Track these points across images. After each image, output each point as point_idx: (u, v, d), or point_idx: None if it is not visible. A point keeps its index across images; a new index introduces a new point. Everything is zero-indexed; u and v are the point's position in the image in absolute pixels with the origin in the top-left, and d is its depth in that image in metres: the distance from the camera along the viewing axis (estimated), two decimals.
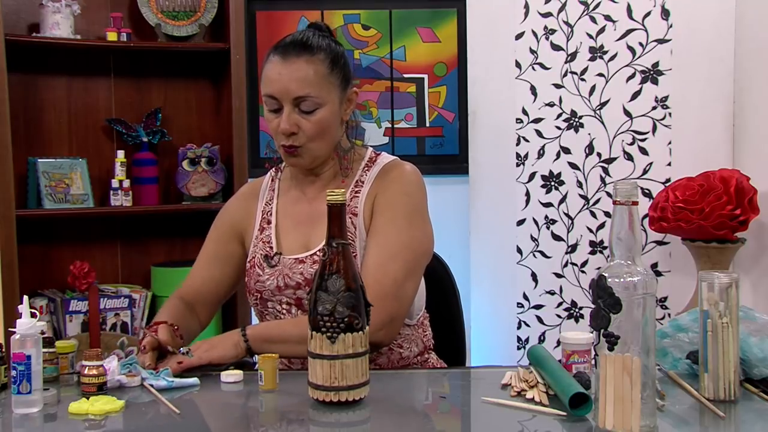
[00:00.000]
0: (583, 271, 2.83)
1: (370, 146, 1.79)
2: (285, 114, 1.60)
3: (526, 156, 2.84)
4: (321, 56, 1.61)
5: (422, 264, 1.66)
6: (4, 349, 1.43)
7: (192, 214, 2.93)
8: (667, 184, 2.70)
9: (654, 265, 2.79)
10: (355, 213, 1.65)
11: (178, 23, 2.88)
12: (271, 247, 1.69)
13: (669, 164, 2.77)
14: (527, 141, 2.84)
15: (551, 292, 2.85)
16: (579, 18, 2.80)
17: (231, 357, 1.51)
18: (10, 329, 1.37)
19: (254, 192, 1.81)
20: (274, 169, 1.82)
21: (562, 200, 2.83)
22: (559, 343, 1.48)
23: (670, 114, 2.76)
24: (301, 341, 1.39)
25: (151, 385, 1.38)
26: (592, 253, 2.83)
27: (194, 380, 1.43)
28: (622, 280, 1.15)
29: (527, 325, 2.86)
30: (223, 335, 1.56)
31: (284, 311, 1.66)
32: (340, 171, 1.71)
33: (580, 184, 2.82)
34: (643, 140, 2.78)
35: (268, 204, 1.77)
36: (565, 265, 2.84)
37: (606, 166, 2.80)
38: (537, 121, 2.83)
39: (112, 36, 2.78)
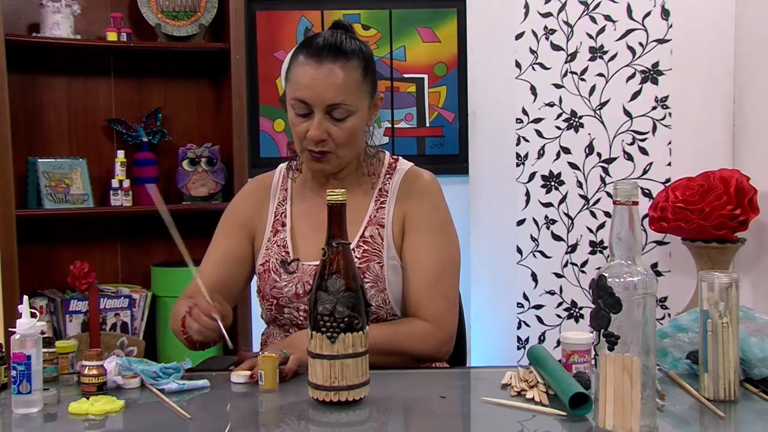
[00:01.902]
0: (583, 271, 2.83)
1: (387, 150, 1.78)
2: (316, 121, 1.56)
3: (526, 156, 2.84)
4: (355, 62, 1.57)
5: (459, 272, 1.70)
6: (4, 349, 1.43)
7: (192, 214, 2.92)
8: (667, 184, 2.70)
9: (654, 265, 2.79)
10: (382, 224, 1.64)
11: (178, 23, 2.88)
12: (288, 252, 1.66)
13: (669, 164, 2.77)
14: (527, 141, 2.84)
15: (551, 292, 2.85)
16: (579, 18, 2.80)
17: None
18: (10, 329, 1.37)
19: (265, 190, 1.76)
20: (286, 167, 1.77)
21: (562, 200, 2.83)
22: (559, 343, 1.48)
23: (670, 114, 2.76)
24: (376, 351, 1.38)
25: (162, 390, 1.38)
26: (592, 253, 2.83)
27: (204, 382, 1.42)
28: (622, 280, 1.15)
29: (527, 325, 2.86)
30: (295, 337, 1.54)
31: (301, 318, 1.64)
32: (368, 176, 1.70)
33: (580, 184, 2.82)
34: (643, 140, 2.78)
35: (281, 205, 1.73)
36: (565, 265, 2.84)
37: (606, 166, 2.80)
38: (537, 121, 2.83)
39: (112, 36, 2.78)
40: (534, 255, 2.85)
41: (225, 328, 1.47)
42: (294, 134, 1.62)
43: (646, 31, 2.76)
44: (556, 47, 2.81)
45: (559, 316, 2.85)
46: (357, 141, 1.63)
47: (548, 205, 2.84)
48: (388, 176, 1.70)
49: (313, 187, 1.72)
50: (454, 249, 1.68)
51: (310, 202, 1.71)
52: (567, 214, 2.83)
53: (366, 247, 1.62)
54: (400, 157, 1.76)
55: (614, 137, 2.80)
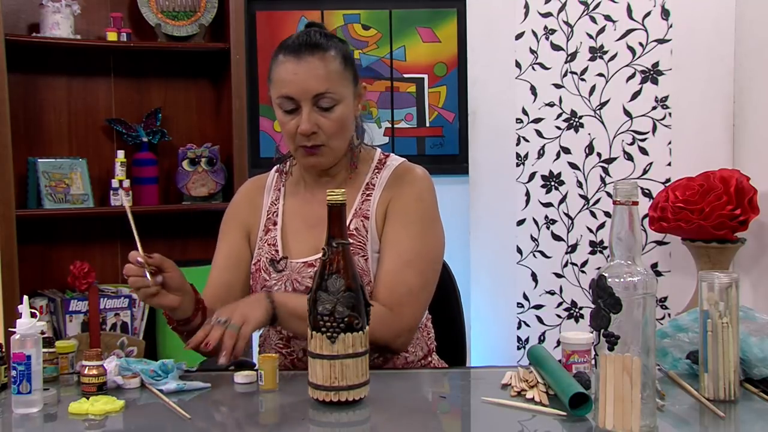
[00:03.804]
0: (583, 271, 2.83)
1: (378, 147, 1.78)
2: (305, 114, 1.57)
3: (526, 156, 2.84)
4: (333, 52, 1.60)
5: (436, 270, 1.67)
6: (4, 349, 1.43)
7: (192, 214, 2.93)
8: (667, 184, 2.70)
9: (654, 265, 2.79)
10: (367, 216, 1.64)
11: (178, 23, 2.88)
12: (277, 251, 1.67)
13: (669, 164, 2.77)
14: (527, 141, 2.84)
15: (551, 292, 2.85)
16: (579, 18, 2.80)
17: (264, 321, 1.45)
18: (10, 329, 1.37)
19: (259, 190, 1.78)
20: (278, 167, 1.78)
21: (562, 200, 2.83)
22: (559, 343, 1.48)
23: (670, 114, 2.76)
24: None
25: (162, 390, 1.38)
26: (592, 253, 2.83)
27: (204, 382, 1.42)
28: (622, 280, 1.15)
29: (527, 325, 2.86)
30: (249, 299, 1.49)
31: None
32: (350, 167, 1.69)
33: (580, 184, 2.82)
34: (643, 140, 2.78)
35: (274, 204, 1.74)
36: (565, 265, 2.84)
37: (606, 166, 2.80)
38: (537, 121, 2.83)
39: (112, 36, 2.78)
40: (534, 255, 2.85)
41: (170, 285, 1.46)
42: (285, 134, 1.63)
43: (646, 31, 2.76)
44: (556, 47, 2.81)
45: (559, 316, 2.85)
46: (347, 131, 1.64)
47: (548, 205, 2.84)
48: (377, 171, 1.70)
49: (306, 186, 1.73)
50: (432, 243, 1.65)
51: (303, 200, 1.72)
52: (567, 214, 2.83)
53: (351, 240, 1.61)
54: (392, 154, 1.76)
55: (614, 137, 2.80)
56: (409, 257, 1.60)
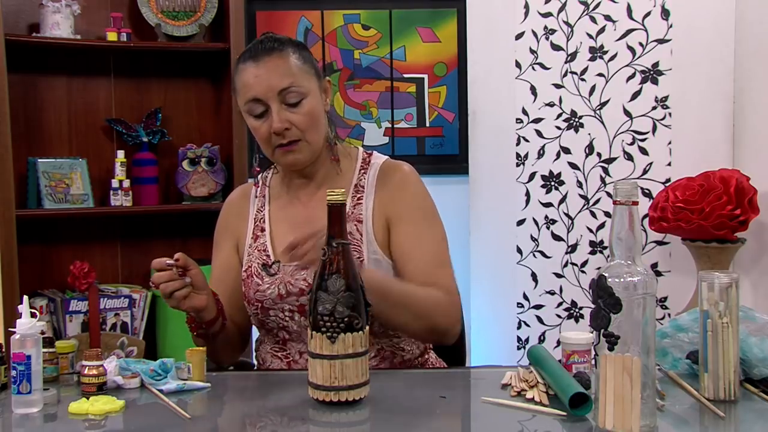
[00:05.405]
0: (583, 271, 2.83)
1: (360, 146, 1.79)
2: (274, 112, 1.59)
3: (526, 156, 2.84)
4: (290, 49, 1.63)
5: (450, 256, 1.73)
6: (4, 349, 1.43)
7: (192, 214, 2.92)
8: (667, 184, 2.70)
9: (654, 265, 2.79)
10: (360, 220, 1.64)
11: (178, 23, 2.88)
12: (268, 255, 1.68)
13: (669, 164, 2.77)
14: (527, 141, 2.84)
15: (551, 292, 2.85)
16: (579, 18, 2.80)
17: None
18: (10, 329, 1.38)
19: (245, 198, 1.80)
20: (261, 176, 1.80)
21: (562, 200, 2.83)
22: (559, 343, 1.48)
23: (670, 114, 2.76)
24: (406, 304, 1.48)
25: (161, 390, 1.38)
26: (592, 253, 2.83)
27: (204, 382, 1.43)
28: (622, 280, 1.15)
29: (527, 325, 2.86)
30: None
31: (287, 318, 1.64)
32: (331, 161, 1.70)
33: (580, 184, 2.82)
34: (643, 140, 2.78)
35: (260, 211, 1.75)
36: (565, 265, 2.84)
37: (606, 166, 2.80)
38: (537, 121, 2.83)
39: (112, 36, 2.78)
40: (534, 255, 2.85)
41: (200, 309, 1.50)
42: (259, 140, 1.64)
43: (646, 31, 2.76)
44: (556, 47, 2.81)
45: (559, 316, 2.85)
46: (319, 124, 1.64)
47: (548, 205, 2.84)
48: (362, 171, 1.71)
49: (289, 190, 1.74)
50: (442, 234, 1.70)
51: (287, 204, 1.73)
52: (567, 214, 2.83)
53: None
54: (374, 152, 1.77)
55: (614, 137, 2.80)
56: (436, 254, 1.65)
